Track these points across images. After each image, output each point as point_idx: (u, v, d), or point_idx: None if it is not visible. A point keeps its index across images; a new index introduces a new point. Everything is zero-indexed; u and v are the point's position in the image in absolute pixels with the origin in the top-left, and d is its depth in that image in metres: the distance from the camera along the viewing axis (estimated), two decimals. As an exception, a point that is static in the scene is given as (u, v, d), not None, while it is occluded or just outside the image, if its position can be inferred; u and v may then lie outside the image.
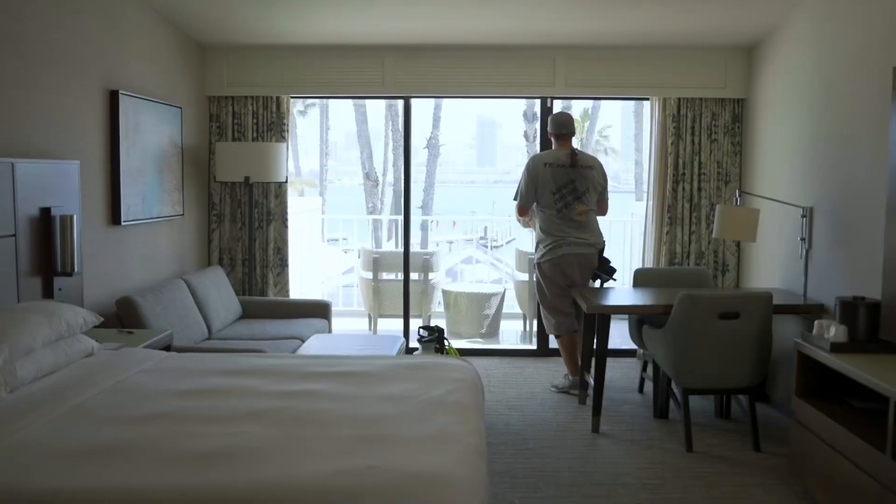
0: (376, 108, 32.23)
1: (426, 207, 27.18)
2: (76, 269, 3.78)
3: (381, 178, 28.88)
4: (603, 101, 28.85)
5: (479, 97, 6.31)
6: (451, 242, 22.38)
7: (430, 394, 2.74)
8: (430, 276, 7.07)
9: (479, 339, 7.11)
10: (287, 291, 6.13)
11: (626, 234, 9.12)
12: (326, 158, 33.10)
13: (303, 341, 4.98)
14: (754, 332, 4.17)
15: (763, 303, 4.17)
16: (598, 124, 28.76)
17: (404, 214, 6.38)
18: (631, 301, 4.73)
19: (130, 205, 4.65)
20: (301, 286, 8.17)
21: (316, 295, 8.78)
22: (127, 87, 4.65)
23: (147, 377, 2.96)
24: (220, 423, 2.39)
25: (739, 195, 4.73)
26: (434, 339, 5.06)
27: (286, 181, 5.97)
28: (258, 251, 6.06)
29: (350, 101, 27.98)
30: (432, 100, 27.65)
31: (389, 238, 25.97)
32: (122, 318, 4.27)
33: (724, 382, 4.28)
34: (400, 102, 6.14)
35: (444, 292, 7.24)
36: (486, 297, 7.13)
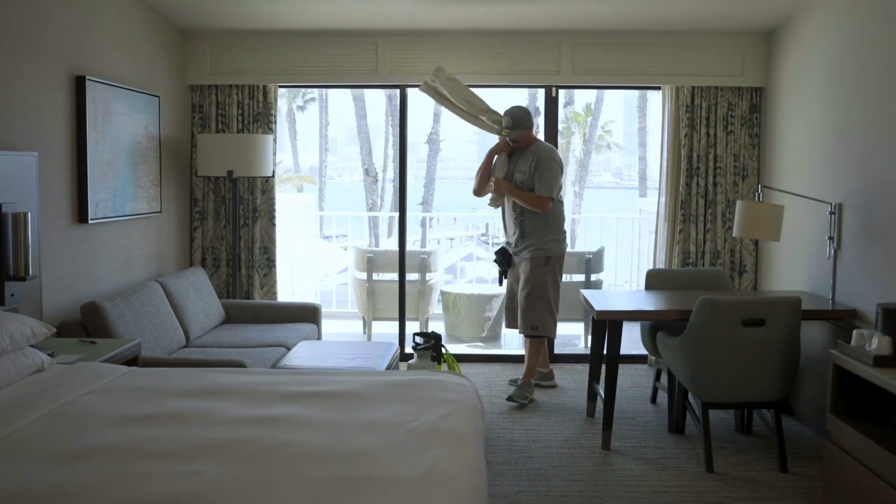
0: (376, 103, 31.85)
1: (426, 204, 26.92)
2: (32, 273, 3.40)
3: (380, 175, 28.61)
4: (606, 95, 28.64)
5: (479, 86, 5.90)
6: (451, 239, 22.03)
7: (421, 420, 2.36)
8: (428, 276, 6.69)
9: (480, 343, 6.74)
10: (274, 294, 5.75)
11: (633, 231, 8.75)
12: (326, 154, 32.89)
13: (288, 349, 4.61)
14: (781, 341, 3.80)
15: (791, 308, 3.79)
16: (600, 119, 28.37)
17: (400, 211, 6.00)
18: (644, 305, 4.35)
19: (99, 201, 4.27)
20: (293, 287, 7.80)
21: (311, 295, 8.42)
22: (96, 73, 4.27)
23: (97, 399, 2.59)
24: (169, 460, 2.01)
25: (761, 191, 4.34)
26: (430, 346, 4.68)
27: (273, 176, 5.59)
28: (243, 251, 5.69)
29: (350, 95, 27.79)
30: (433, 94, 27.49)
31: (389, 235, 25.68)
32: (88, 325, 3.90)
33: (747, 396, 3.90)
34: (395, 93, 5.74)
35: (443, 293, 6.86)
36: (487, 299, 6.75)
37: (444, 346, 4.74)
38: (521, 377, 5.03)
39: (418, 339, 4.67)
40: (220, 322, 5.15)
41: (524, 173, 4.86)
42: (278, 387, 2.68)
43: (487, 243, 14.91)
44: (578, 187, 26.28)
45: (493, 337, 6.81)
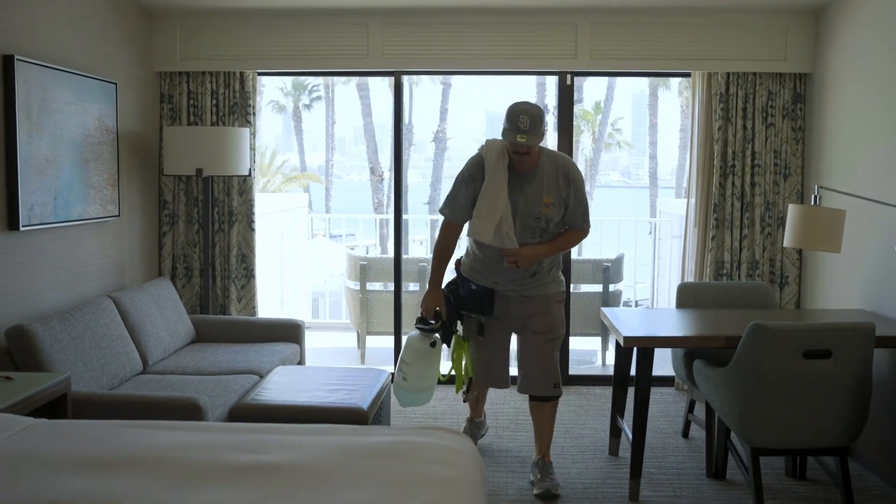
0: (383, 100, 31.33)
1: (433, 203, 26.42)
2: (-69, 294, 2.76)
3: (387, 174, 28.15)
4: (616, 93, 27.97)
5: (483, 72, 5.24)
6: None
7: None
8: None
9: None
10: (254, 308, 5.09)
11: (650, 235, 8.07)
12: (333, 153, 32.55)
13: (262, 376, 3.95)
14: (851, 377, 3.12)
15: (863, 337, 3.11)
16: (610, 116, 27.72)
17: (396, 212, 5.34)
18: (679, 328, 3.69)
19: (35, 204, 3.62)
20: (283, 296, 7.16)
21: (303, 305, 7.77)
22: (29, 53, 3.62)
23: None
24: None
25: (818, 192, 3.66)
26: (437, 328, 3.61)
27: (250, 174, 4.94)
28: (218, 259, 5.03)
29: (356, 93, 27.24)
30: (439, 92, 26.98)
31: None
32: (14, 354, 3.25)
33: (808, 441, 3.22)
34: (390, 82, 5.08)
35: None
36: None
37: (456, 330, 3.70)
38: (539, 456, 3.64)
39: (422, 327, 3.63)
40: (188, 341, 4.50)
41: (554, 206, 3.42)
42: (210, 455, 2.01)
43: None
44: (589, 187, 25.57)
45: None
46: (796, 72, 4.85)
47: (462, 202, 3.50)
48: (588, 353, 6.34)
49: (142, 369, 3.94)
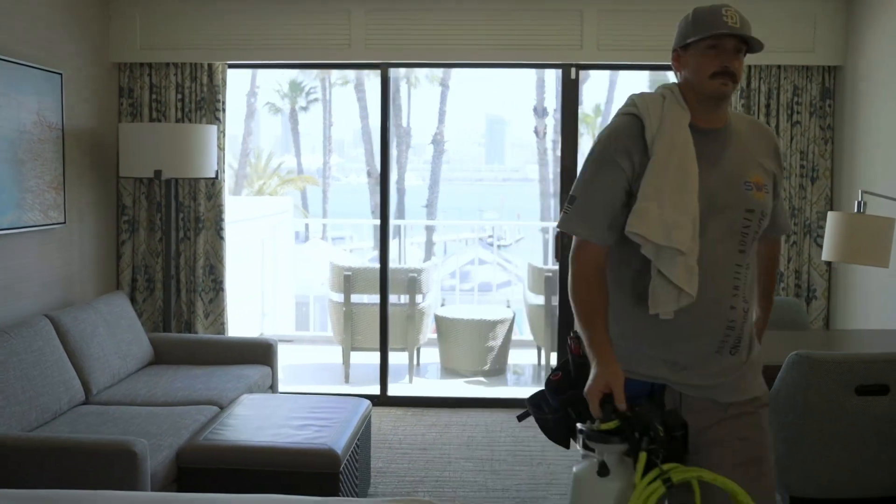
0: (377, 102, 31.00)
1: (431, 207, 26.03)
2: None
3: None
4: (616, 95, 27.48)
5: (478, 65, 4.76)
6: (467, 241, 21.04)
7: None
8: (418, 298, 5.52)
9: (482, 379, 5.57)
10: (223, 324, 4.59)
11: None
12: (330, 155, 32.26)
13: (222, 407, 3.45)
14: (911, 416, 2.63)
15: (926, 370, 2.62)
16: (610, 119, 27.21)
17: (381, 219, 4.84)
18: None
19: (-45, 211, 3.13)
20: (264, 308, 6.66)
21: (289, 315, 7.27)
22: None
23: None
24: None
25: (863, 199, 3.17)
26: (619, 429, 1.76)
27: (217, 177, 4.44)
28: (184, 270, 4.54)
29: (353, 94, 26.78)
30: (437, 94, 26.53)
31: (394, 237, 24.59)
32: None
33: (857, 489, 2.73)
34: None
35: (438, 318, 5.70)
36: (491, 326, 5.58)
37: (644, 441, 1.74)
38: None
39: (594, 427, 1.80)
40: (144, 364, 4.00)
41: (766, 191, 1.96)
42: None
43: (492, 245, 13.82)
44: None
45: (497, 371, 5.64)
46: (825, 64, 4.37)
47: (608, 204, 1.89)
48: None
49: (83, 399, 3.43)
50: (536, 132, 25.46)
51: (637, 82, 35.49)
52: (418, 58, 4.55)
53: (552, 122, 25.62)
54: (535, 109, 25.74)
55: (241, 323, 5.66)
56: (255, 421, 3.21)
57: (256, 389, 3.85)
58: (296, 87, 28.04)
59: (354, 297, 5.49)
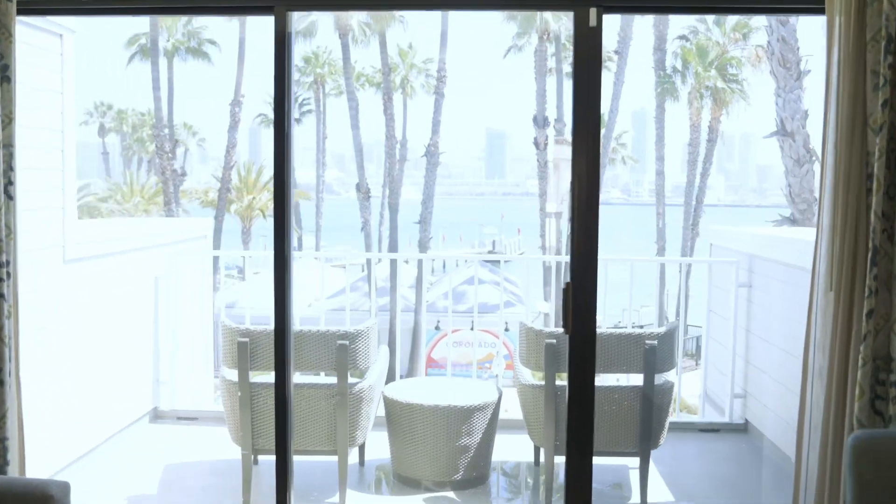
0: (376, 114, 29.43)
1: (424, 223, 24.43)
2: None
3: (382, 190, 26.67)
4: (621, 104, 25.66)
5: (475, 8, 2.90)
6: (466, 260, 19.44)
7: None
8: (354, 380, 3.61)
9: (452, 496, 3.68)
10: (3, 440, 2.68)
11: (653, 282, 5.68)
12: (324, 169, 31.06)
13: None
14: None
15: None
16: (614, 130, 25.76)
17: (276, 250, 2.93)
18: None
19: None
20: (159, 376, 4.78)
21: (203, 386, 5.34)
22: None
23: None
24: None
25: None
26: None
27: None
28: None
29: (346, 102, 24.99)
30: (431, 102, 24.72)
31: (382, 254, 22.99)
32: None
33: None
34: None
35: (387, 402, 3.79)
36: (467, 414, 3.66)
37: None
38: None
39: None
40: None
41: None
42: None
43: (490, 262, 12.08)
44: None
45: (475, 481, 3.74)
46: None
47: None
48: (616, 475, 3.96)
49: None
50: (536, 143, 23.84)
51: (636, 97, 33.75)
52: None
53: (554, 131, 23.88)
54: (534, 119, 24.02)
55: (100, 404, 3.78)
56: None
57: None
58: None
59: (256, 377, 3.58)
